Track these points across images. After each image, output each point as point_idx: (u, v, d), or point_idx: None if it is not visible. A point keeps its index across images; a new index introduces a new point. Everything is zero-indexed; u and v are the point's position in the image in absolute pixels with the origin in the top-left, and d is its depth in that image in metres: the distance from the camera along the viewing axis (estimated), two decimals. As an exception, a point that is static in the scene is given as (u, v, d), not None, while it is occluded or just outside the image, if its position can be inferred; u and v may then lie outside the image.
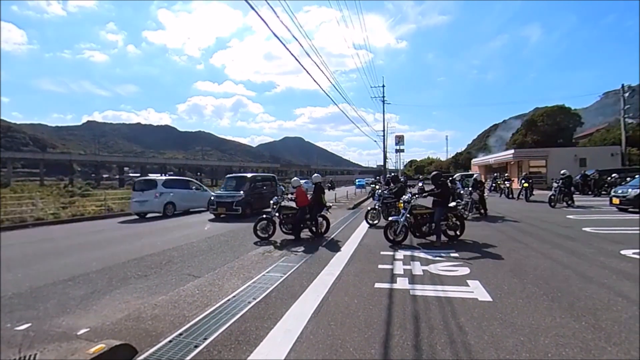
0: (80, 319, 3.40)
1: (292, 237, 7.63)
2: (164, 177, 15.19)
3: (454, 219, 6.90)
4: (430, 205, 6.82)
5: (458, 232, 6.88)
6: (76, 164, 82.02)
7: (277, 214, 7.77)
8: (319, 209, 7.83)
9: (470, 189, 10.87)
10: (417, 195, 7.08)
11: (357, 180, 41.33)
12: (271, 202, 8.04)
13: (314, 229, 7.70)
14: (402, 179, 17.17)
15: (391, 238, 6.45)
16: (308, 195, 8.03)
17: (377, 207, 9.73)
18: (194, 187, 15.38)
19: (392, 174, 11.93)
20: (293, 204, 7.95)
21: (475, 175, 11.89)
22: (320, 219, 7.89)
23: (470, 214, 10.33)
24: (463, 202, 10.71)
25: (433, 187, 6.94)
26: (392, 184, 11.25)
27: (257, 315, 3.29)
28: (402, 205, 6.74)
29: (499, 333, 2.78)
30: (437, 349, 2.55)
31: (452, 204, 7.02)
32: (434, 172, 7.40)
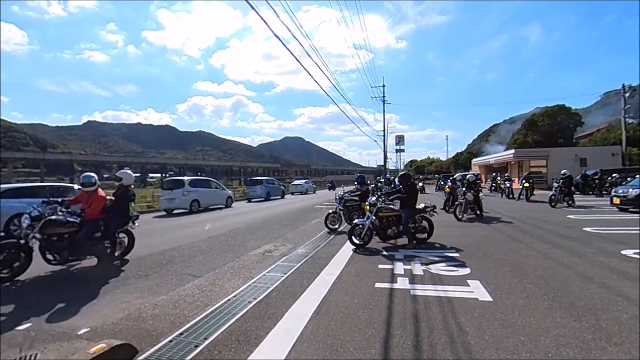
0: (81, 318, 3.40)
1: (58, 267, 5.20)
2: (189, 178, 15.91)
3: (422, 222, 6.69)
4: (399, 207, 6.65)
5: (426, 235, 6.66)
6: (77, 163, 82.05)
7: (37, 235, 4.89)
8: (120, 222, 5.64)
9: (464, 189, 10.64)
10: (383, 198, 6.81)
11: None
12: (24, 218, 5.02)
13: (109, 250, 5.47)
14: (389, 179, 16.63)
15: (355, 241, 6.26)
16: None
17: (338, 210, 9.03)
18: (214, 186, 17.26)
19: (359, 175, 10.58)
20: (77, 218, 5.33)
21: (469, 175, 11.60)
22: (121, 236, 5.83)
23: (465, 214, 10.17)
24: (457, 203, 10.52)
25: (400, 187, 6.71)
26: (358, 186, 9.87)
27: (258, 315, 3.29)
28: (367, 207, 6.52)
29: (500, 333, 2.78)
30: (438, 349, 2.54)
31: (421, 205, 6.78)
32: (402, 173, 7.21)
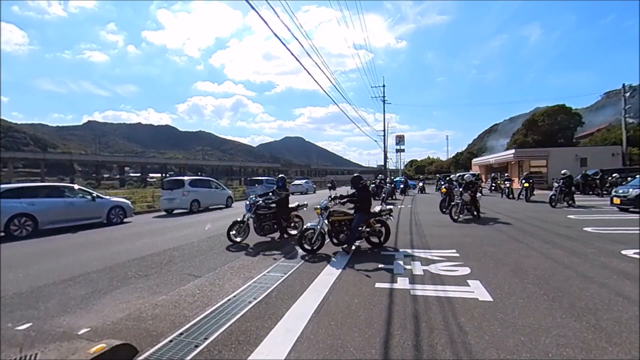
0: (81, 318, 3.40)
1: None
2: (190, 178, 15.91)
3: (377, 226, 6.40)
4: (353, 211, 6.32)
5: (382, 240, 6.38)
6: (77, 163, 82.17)
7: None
8: None
9: (460, 189, 10.43)
10: (335, 201, 6.39)
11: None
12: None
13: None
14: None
15: (306, 247, 5.91)
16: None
17: (246, 218, 7.22)
18: (214, 186, 17.26)
19: (280, 175, 8.47)
20: None
21: (466, 176, 11.39)
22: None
23: (461, 215, 9.99)
24: (453, 203, 10.29)
25: (354, 191, 6.41)
26: (276, 190, 7.88)
27: (258, 314, 3.29)
28: (319, 211, 6.15)
29: (500, 333, 2.78)
30: (438, 349, 2.54)
31: (376, 208, 6.49)
32: (354, 175, 6.79)
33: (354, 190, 6.49)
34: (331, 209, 6.23)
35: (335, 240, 6.24)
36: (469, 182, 10.50)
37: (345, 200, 6.43)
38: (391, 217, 6.69)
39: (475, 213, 10.31)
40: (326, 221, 6.14)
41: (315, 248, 5.97)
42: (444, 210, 11.63)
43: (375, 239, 6.40)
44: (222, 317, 3.23)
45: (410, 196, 23.12)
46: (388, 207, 6.77)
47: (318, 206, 6.23)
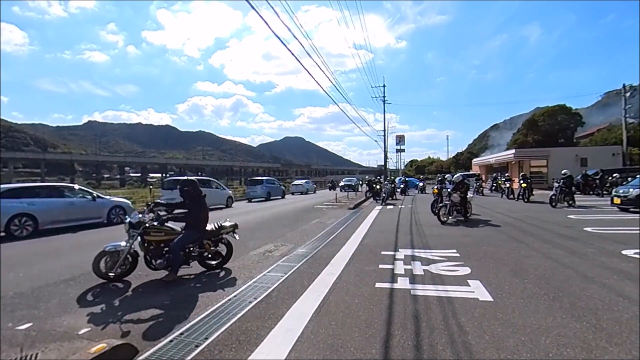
0: (82, 318, 3.41)
1: None
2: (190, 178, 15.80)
3: (213, 246, 5.13)
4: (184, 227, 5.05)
5: (216, 262, 5.18)
6: (77, 163, 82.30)
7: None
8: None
9: (449, 190, 10.11)
10: (154, 213, 4.87)
11: (344, 180, 34.62)
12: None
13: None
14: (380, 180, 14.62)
15: (105, 274, 4.53)
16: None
17: None
18: (214, 186, 17.39)
19: None
20: None
21: (455, 176, 11.11)
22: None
23: (450, 217, 9.67)
24: (441, 204, 9.95)
25: (182, 200, 5.10)
26: None
27: (258, 314, 3.29)
28: (127, 228, 4.69)
29: (500, 333, 2.78)
30: (438, 349, 2.54)
31: (214, 225, 5.24)
32: (184, 179, 5.50)
33: (181, 199, 5.09)
34: (147, 225, 4.68)
35: (152, 265, 4.71)
36: (458, 183, 10.16)
37: (168, 215, 4.90)
38: (236, 236, 5.47)
39: (466, 215, 9.88)
40: (140, 240, 4.66)
41: (117, 275, 4.57)
42: (437, 211, 10.99)
43: (211, 261, 5.14)
44: (222, 317, 3.23)
45: (410, 196, 23.11)
46: (232, 222, 5.55)
47: (129, 219, 4.75)
